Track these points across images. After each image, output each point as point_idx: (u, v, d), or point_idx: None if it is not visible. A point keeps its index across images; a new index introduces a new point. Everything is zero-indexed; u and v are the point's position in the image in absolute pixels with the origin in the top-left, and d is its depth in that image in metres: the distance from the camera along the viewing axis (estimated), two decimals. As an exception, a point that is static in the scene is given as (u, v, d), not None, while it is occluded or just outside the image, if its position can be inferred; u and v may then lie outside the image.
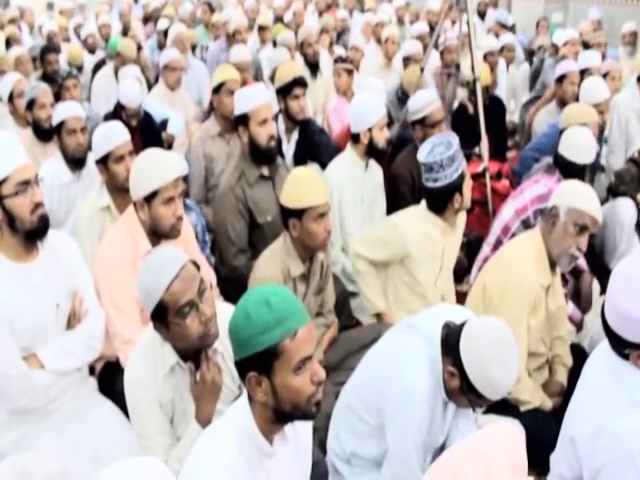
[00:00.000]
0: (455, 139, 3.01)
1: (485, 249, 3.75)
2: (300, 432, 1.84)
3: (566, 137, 3.59)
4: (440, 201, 3.05)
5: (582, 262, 3.62)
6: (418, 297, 3.19)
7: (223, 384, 2.17)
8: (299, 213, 2.76)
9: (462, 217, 3.28)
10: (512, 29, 8.99)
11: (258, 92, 3.56)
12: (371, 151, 3.82)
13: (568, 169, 3.51)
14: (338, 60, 5.51)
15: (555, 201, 2.80)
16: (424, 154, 3.02)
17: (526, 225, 3.58)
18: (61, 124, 3.60)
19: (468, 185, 3.08)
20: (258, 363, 1.59)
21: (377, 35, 7.52)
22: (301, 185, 2.79)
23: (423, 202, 3.14)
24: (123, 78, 5.26)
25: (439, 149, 2.98)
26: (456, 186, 3.01)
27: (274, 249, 2.92)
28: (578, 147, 3.50)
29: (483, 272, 3.03)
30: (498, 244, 3.57)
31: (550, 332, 2.99)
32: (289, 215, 2.79)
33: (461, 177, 3.01)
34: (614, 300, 1.91)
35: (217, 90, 4.42)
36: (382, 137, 3.80)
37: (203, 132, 4.44)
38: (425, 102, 4.04)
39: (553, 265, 2.84)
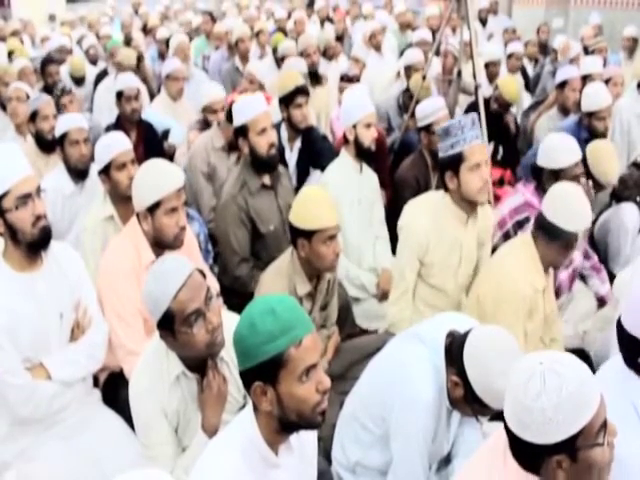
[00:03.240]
0: (468, 120, 2.89)
1: None
2: (305, 442, 1.84)
3: (543, 145, 3.51)
4: (441, 174, 3.01)
5: (606, 291, 3.72)
6: (440, 293, 3.14)
7: (228, 393, 2.16)
8: (308, 234, 2.71)
9: (483, 212, 3.12)
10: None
11: (255, 102, 3.52)
12: (359, 151, 3.78)
13: (543, 176, 3.44)
14: (344, 78, 5.48)
15: (571, 228, 2.73)
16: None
17: (507, 237, 3.53)
18: (64, 135, 3.60)
19: (475, 174, 2.89)
20: (263, 372, 1.59)
21: (374, 44, 7.54)
22: (312, 206, 2.73)
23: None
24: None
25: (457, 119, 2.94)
26: (447, 163, 2.92)
27: (280, 265, 2.86)
28: (556, 152, 3.42)
29: (476, 283, 3.03)
30: None
31: (547, 332, 2.99)
32: (298, 234, 2.74)
33: (455, 157, 2.89)
34: (637, 302, 1.89)
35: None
36: (367, 135, 3.73)
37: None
38: (433, 109, 4.04)
39: (546, 268, 2.84)
